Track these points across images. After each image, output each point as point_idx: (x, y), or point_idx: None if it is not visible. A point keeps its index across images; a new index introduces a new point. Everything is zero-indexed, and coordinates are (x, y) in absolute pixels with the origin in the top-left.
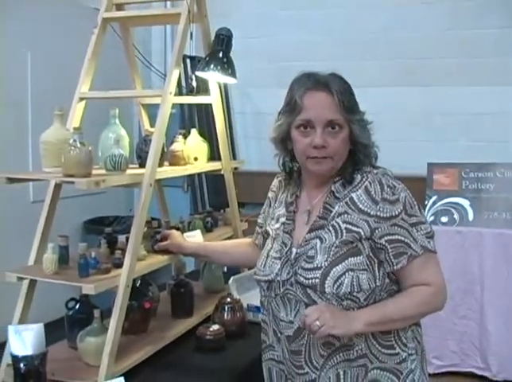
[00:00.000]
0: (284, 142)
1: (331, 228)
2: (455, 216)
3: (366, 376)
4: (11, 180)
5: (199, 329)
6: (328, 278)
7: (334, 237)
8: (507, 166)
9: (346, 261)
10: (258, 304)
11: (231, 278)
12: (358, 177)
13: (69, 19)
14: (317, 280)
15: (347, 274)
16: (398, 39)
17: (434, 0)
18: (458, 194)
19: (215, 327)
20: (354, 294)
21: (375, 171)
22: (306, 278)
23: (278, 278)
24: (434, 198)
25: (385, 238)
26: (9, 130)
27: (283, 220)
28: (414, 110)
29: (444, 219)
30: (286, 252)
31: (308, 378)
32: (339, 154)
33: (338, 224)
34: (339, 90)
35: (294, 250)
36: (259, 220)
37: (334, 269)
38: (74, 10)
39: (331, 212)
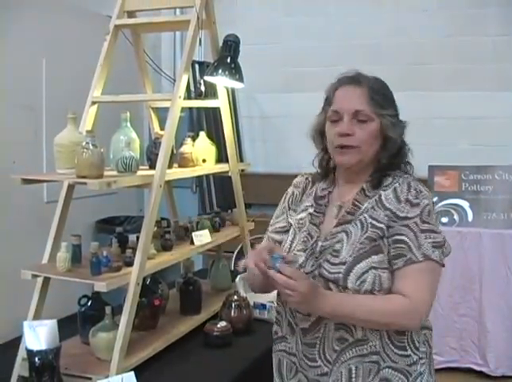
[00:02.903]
0: (321, 137)
1: (358, 223)
2: (455, 216)
3: (378, 373)
4: (26, 181)
5: (207, 326)
6: (351, 274)
7: (360, 231)
8: (506, 169)
9: (369, 258)
10: (265, 302)
11: (238, 277)
12: (390, 179)
13: (82, 26)
14: (340, 275)
15: (370, 271)
16: (399, 45)
17: (434, 7)
18: (458, 196)
19: (223, 324)
20: (375, 292)
21: (406, 176)
22: (330, 273)
23: (302, 270)
24: (435, 199)
25: (393, 237)
26: (25, 133)
27: (311, 210)
28: (415, 114)
29: (445, 219)
30: (312, 245)
31: (321, 371)
32: (366, 146)
33: (365, 218)
34: (371, 85)
35: (320, 243)
36: (280, 225)
37: (358, 266)
38: (87, 18)
39: (359, 208)
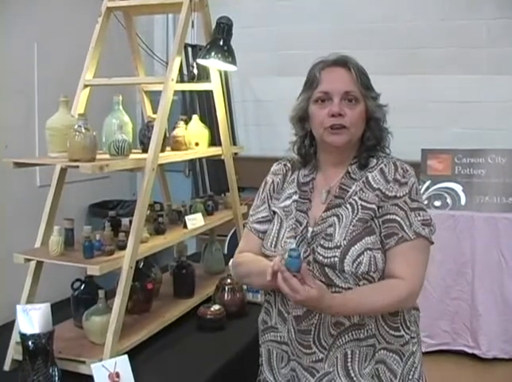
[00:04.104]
0: (302, 121)
1: (348, 206)
2: (448, 200)
3: (374, 356)
4: (18, 165)
5: (201, 309)
6: (347, 256)
7: (351, 213)
8: (498, 152)
9: (363, 240)
10: None
11: (231, 260)
12: (374, 160)
13: (74, 9)
14: (336, 259)
15: (365, 253)
16: (393, 29)
17: None
18: (451, 179)
19: (216, 307)
20: (371, 273)
21: (390, 156)
22: (325, 257)
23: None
24: (428, 183)
25: (384, 217)
26: (17, 117)
27: (295, 197)
28: (409, 98)
29: (437, 203)
30: (302, 231)
31: (316, 358)
32: (355, 126)
33: (355, 200)
34: (357, 67)
35: (310, 228)
36: (262, 215)
37: (353, 248)
38: (78, 0)
39: (347, 191)
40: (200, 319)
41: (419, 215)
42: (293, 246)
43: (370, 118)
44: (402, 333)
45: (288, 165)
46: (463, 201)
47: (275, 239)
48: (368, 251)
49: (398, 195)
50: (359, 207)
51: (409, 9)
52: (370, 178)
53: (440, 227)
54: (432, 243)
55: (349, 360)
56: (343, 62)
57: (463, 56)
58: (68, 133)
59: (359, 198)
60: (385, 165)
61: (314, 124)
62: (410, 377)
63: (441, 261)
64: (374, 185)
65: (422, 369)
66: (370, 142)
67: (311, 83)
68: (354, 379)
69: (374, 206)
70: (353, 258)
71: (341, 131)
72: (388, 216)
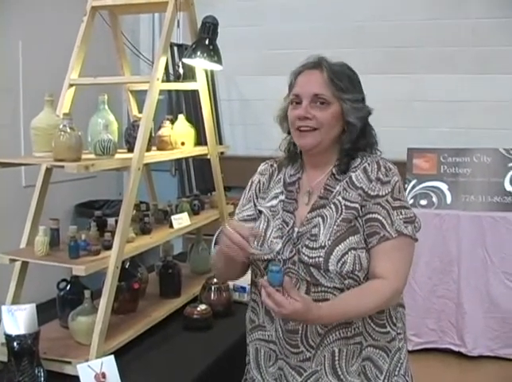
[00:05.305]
0: (286, 121)
1: (332, 206)
2: (434, 199)
3: (360, 353)
4: (3, 164)
5: (187, 309)
6: (332, 256)
7: (335, 213)
8: (483, 151)
9: (347, 240)
10: (244, 284)
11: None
12: (358, 160)
13: (59, 7)
14: (321, 259)
15: (349, 252)
16: (381, 28)
17: None
18: (437, 178)
19: (202, 307)
20: (356, 272)
21: (374, 155)
22: (310, 257)
23: (279, 257)
24: (414, 182)
25: (367, 216)
26: (2, 116)
27: (282, 197)
28: (395, 97)
29: (423, 202)
30: (288, 231)
31: (303, 357)
32: (325, 127)
33: (339, 200)
34: (332, 69)
35: (296, 229)
36: (248, 213)
37: (337, 248)
38: None
39: (332, 192)
40: (187, 319)
41: (401, 213)
42: (278, 247)
43: (347, 121)
44: (388, 329)
45: (275, 165)
46: (448, 200)
47: (262, 238)
48: (352, 251)
49: (380, 194)
50: (343, 207)
51: (396, 9)
52: (353, 178)
53: (426, 226)
54: (417, 240)
55: (336, 358)
56: (317, 64)
57: (450, 55)
58: (53, 132)
59: (343, 198)
60: (369, 164)
61: (290, 125)
62: (396, 373)
63: (427, 260)
64: (357, 184)
65: (408, 365)
66: (345, 145)
67: (289, 85)
68: (342, 377)
69: (357, 205)
70: (337, 257)
71: (308, 134)
72: (370, 215)
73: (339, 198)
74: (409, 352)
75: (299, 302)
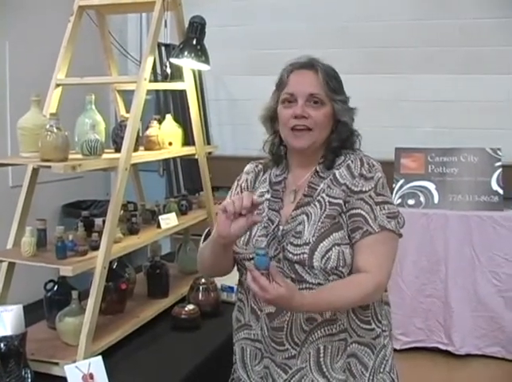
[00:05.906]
0: (271, 121)
1: (316, 203)
2: (422, 198)
3: (345, 350)
4: None
5: (175, 309)
6: (316, 253)
7: (319, 210)
8: (470, 151)
9: (331, 236)
10: (232, 284)
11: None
12: (342, 157)
13: (46, 7)
14: (305, 255)
15: (333, 248)
16: (367, 28)
17: None
18: (424, 178)
19: (190, 307)
20: (340, 268)
21: (357, 152)
22: (294, 254)
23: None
24: (401, 182)
25: (350, 212)
26: None
27: (268, 196)
28: (382, 97)
29: (411, 201)
30: (273, 229)
31: (288, 354)
32: (319, 128)
33: (322, 197)
34: (325, 70)
35: (281, 227)
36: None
37: (321, 244)
38: None
39: (316, 190)
40: (175, 319)
41: (384, 208)
42: (263, 244)
43: (337, 121)
44: (373, 326)
45: (260, 166)
46: (436, 200)
47: (247, 237)
48: (336, 247)
49: (364, 189)
50: (327, 203)
51: (382, 9)
52: (337, 175)
53: (413, 225)
54: (401, 235)
55: (321, 355)
56: (310, 65)
57: (436, 55)
58: (40, 133)
59: (327, 195)
60: (352, 161)
61: (280, 124)
62: (381, 370)
63: (415, 259)
64: (341, 181)
65: (393, 362)
66: (334, 143)
67: (279, 84)
68: (326, 373)
69: (340, 201)
70: (321, 254)
71: (303, 134)
72: (353, 211)
73: (323, 195)
74: (397, 351)
75: (283, 288)
